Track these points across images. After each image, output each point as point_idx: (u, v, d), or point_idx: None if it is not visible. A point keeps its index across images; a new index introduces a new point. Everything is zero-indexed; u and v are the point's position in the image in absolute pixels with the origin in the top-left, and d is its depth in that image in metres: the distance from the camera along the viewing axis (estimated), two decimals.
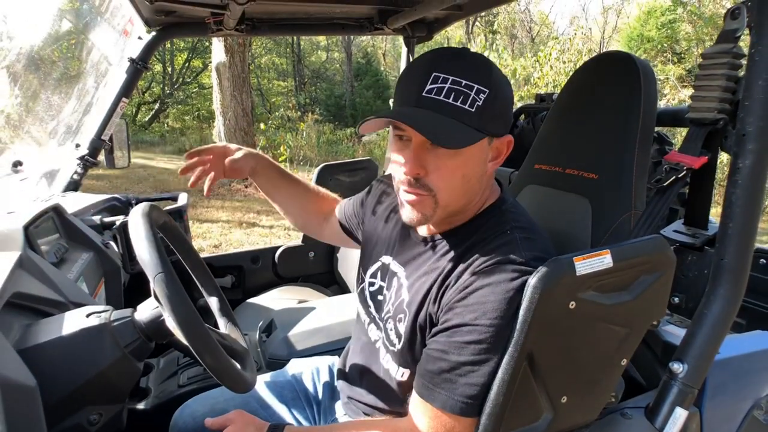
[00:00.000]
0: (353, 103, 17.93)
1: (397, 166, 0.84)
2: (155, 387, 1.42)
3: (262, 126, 10.65)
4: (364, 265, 1.08)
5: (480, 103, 0.77)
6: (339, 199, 1.31)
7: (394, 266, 0.98)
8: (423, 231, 0.95)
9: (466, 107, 0.76)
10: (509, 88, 0.83)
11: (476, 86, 0.77)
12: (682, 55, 14.94)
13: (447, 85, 0.76)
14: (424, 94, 0.77)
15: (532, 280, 0.74)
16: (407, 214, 0.85)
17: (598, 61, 1.13)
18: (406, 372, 0.91)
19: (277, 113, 14.96)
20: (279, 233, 5.54)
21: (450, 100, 0.76)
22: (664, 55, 14.95)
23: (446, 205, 0.83)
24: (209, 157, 1.15)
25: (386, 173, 2.13)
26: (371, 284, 1.03)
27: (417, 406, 0.83)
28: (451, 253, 0.87)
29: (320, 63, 21.26)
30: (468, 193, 0.85)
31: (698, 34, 13.94)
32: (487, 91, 0.77)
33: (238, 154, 1.16)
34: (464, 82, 0.76)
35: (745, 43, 0.90)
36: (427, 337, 0.85)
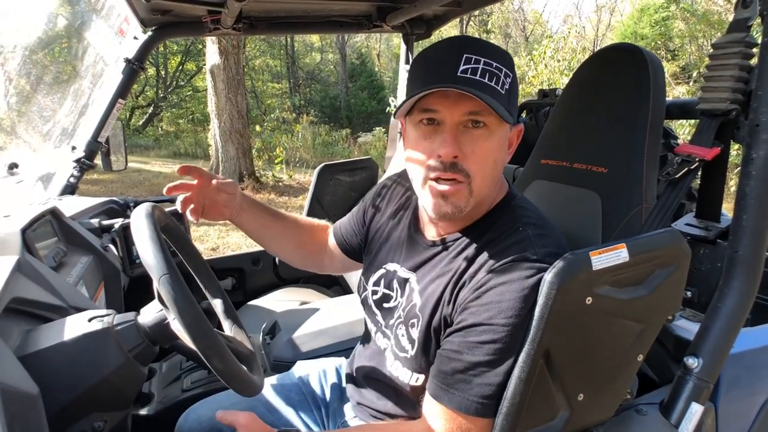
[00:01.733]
0: (348, 105, 17.92)
1: (424, 154, 0.79)
2: (158, 392, 1.40)
3: (257, 128, 10.62)
4: (366, 273, 1.05)
5: (507, 87, 0.78)
6: (330, 225, 1.24)
7: (403, 273, 0.95)
8: (432, 234, 0.93)
9: (498, 88, 0.76)
10: None
11: (504, 69, 0.77)
12: (676, 52, 15.01)
13: (480, 66, 0.76)
14: (459, 73, 0.75)
15: (548, 276, 0.72)
16: (439, 208, 0.80)
17: (605, 54, 1.12)
18: (421, 377, 0.89)
19: (272, 115, 14.94)
20: None
21: (485, 80, 0.76)
22: (658, 52, 14.99)
23: (478, 194, 0.80)
24: (194, 183, 1.03)
25: (387, 173, 2.12)
26: (374, 292, 1.01)
27: (431, 407, 0.81)
28: (464, 253, 0.85)
29: (314, 64, 21.23)
30: (494, 182, 0.84)
31: (691, 31, 14.00)
32: (512, 75, 0.79)
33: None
34: (495, 64, 0.76)
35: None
36: (442, 339, 0.83)
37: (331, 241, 1.20)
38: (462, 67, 0.76)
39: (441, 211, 0.80)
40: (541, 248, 0.78)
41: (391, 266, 0.98)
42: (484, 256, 0.81)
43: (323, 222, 1.26)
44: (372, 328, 1.02)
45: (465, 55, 0.76)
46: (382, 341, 0.98)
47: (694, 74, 10.79)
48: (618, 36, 17.58)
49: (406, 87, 0.84)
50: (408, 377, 0.91)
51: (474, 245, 0.84)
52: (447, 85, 0.74)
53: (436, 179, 0.78)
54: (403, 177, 1.06)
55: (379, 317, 0.99)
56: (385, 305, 0.97)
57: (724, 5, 12.23)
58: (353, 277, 2.11)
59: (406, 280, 0.93)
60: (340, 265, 1.22)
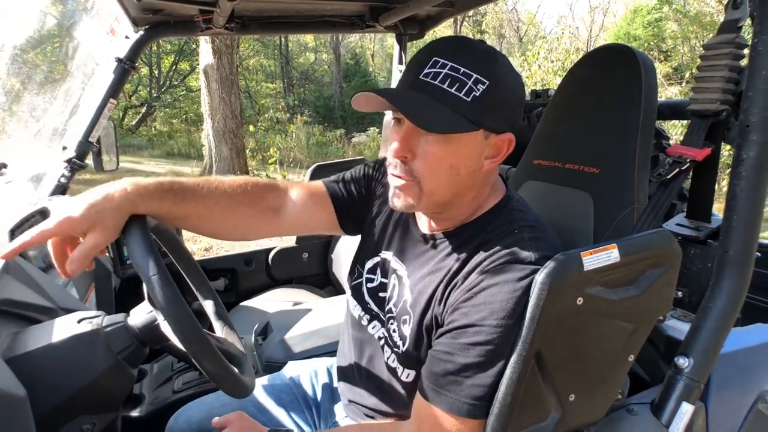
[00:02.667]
0: (342, 105, 17.88)
1: (389, 149, 0.82)
2: (149, 393, 1.39)
3: (251, 128, 10.59)
4: (361, 258, 1.03)
5: (477, 94, 0.74)
6: (288, 183, 1.02)
7: (395, 263, 0.95)
8: (424, 227, 0.92)
9: (461, 95, 0.74)
10: (516, 85, 0.80)
11: (475, 75, 0.74)
12: (669, 53, 15.14)
13: (444, 71, 0.75)
14: (420, 77, 0.76)
15: (539, 277, 0.72)
16: (393, 199, 0.84)
17: (598, 55, 1.12)
18: (412, 373, 0.89)
19: (266, 115, 14.91)
20: None
21: (445, 86, 0.74)
22: (651, 53, 15.11)
23: (431, 194, 0.81)
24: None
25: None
26: (369, 280, 0.99)
27: (422, 408, 0.81)
28: (458, 253, 0.84)
29: (308, 64, 21.18)
30: (457, 186, 0.81)
31: (684, 32, 14.13)
32: (487, 82, 0.75)
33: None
34: (462, 69, 0.74)
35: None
36: (433, 339, 0.83)
37: (318, 194, 1.01)
38: (425, 71, 0.76)
39: (394, 204, 0.84)
40: (535, 251, 0.78)
41: (386, 254, 0.98)
42: (478, 257, 0.81)
43: (264, 180, 1.00)
44: (364, 316, 1.00)
45: (434, 58, 0.76)
46: (378, 330, 0.97)
47: (687, 75, 10.88)
48: (611, 37, 17.69)
49: None
50: (400, 372, 0.91)
51: (468, 246, 0.84)
52: (387, 94, 0.76)
53: (393, 175, 0.82)
54: None
55: (374, 305, 0.98)
56: (381, 294, 0.96)
57: (715, 6, 12.34)
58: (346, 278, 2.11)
59: (395, 271, 0.94)
60: (302, 225, 1.02)
